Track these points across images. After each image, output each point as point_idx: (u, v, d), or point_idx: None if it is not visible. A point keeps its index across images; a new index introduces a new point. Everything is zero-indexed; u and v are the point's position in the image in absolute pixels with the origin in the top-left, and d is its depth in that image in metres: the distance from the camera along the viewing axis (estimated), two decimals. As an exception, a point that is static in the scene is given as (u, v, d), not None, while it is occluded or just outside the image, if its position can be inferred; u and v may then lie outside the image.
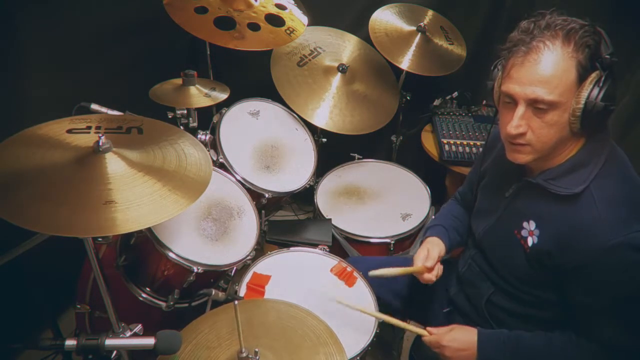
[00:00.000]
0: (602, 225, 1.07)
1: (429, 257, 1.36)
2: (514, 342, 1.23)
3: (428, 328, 1.33)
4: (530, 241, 1.20)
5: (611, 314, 1.12)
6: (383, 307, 1.48)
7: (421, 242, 1.47)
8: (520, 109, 1.08)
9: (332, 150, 2.20)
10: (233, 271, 1.63)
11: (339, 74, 2.14)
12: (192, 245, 1.48)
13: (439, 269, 1.36)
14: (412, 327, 1.34)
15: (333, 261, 1.62)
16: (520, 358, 1.22)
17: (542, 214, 1.18)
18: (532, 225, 1.20)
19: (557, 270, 1.15)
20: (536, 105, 1.07)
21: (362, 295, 1.52)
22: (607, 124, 1.13)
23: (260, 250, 1.90)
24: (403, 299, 1.59)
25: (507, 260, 1.28)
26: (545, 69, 1.04)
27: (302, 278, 1.56)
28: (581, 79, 1.04)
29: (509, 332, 1.26)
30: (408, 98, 2.30)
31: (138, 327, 1.22)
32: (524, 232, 1.21)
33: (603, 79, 1.04)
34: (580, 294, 1.14)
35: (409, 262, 1.40)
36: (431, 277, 1.35)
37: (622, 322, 1.12)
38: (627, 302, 1.10)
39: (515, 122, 1.09)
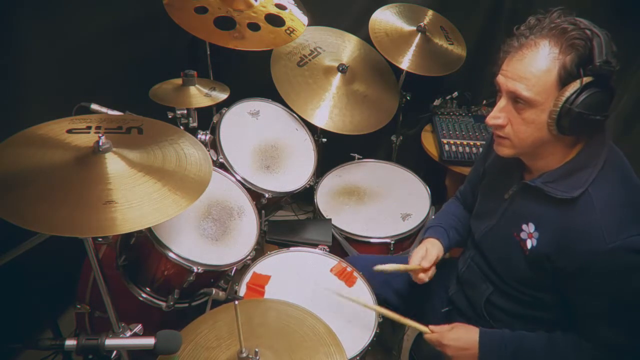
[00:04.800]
0: (600, 228, 1.06)
1: (426, 257, 1.37)
2: (516, 342, 1.23)
3: (430, 326, 1.33)
4: (529, 244, 1.19)
5: (610, 316, 1.12)
6: (382, 304, 1.48)
7: (420, 242, 1.47)
8: (502, 102, 1.12)
9: (332, 150, 2.20)
10: (233, 271, 1.63)
11: (339, 74, 2.13)
12: (192, 245, 1.48)
13: (432, 271, 1.38)
14: (413, 323, 1.34)
15: (333, 261, 1.62)
16: (521, 359, 1.22)
17: (541, 217, 1.18)
18: (531, 227, 1.20)
19: (556, 273, 1.15)
20: (516, 100, 1.09)
21: (362, 295, 1.52)
22: (605, 127, 1.13)
23: (260, 250, 1.90)
24: (402, 297, 1.59)
25: (506, 261, 1.28)
26: (527, 66, 1.06)
27: (302, 278, 1.56)
28: (563, 82, 1.04)
29: (510, 332, 1.25)
30: (408, 98, 2.30)
31: (138, 327, 1.22)
32: (523, 235, 1.21)
33: (585, 85, 1.02)
34: (579, 296, 1.14)
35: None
36: (424, 277, 1.37)
37: (622, 324, 1.12)
38: (627, 304, 1.10)
39: (494, 113, 1.13)
